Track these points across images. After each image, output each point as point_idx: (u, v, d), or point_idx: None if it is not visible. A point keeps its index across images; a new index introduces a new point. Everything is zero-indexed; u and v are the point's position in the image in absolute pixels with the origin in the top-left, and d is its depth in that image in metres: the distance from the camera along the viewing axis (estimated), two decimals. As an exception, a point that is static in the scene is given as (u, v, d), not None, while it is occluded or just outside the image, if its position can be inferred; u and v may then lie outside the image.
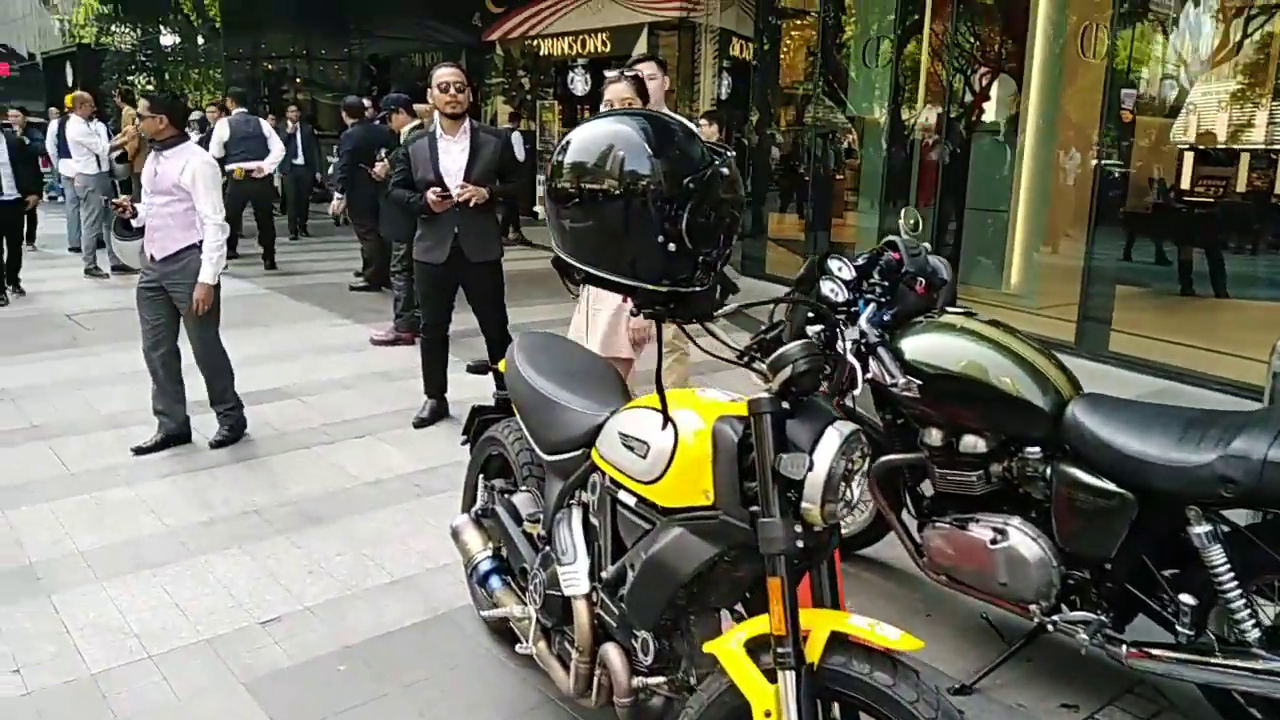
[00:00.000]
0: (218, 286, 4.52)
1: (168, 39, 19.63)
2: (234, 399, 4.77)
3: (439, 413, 5.11)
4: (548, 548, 2.34)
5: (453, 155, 4.73)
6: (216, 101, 12.46)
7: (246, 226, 10.48)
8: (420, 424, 5.02)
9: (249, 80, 18.94)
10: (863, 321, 2.67)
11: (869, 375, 2.65)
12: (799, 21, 12.10)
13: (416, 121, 7.41)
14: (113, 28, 19.96)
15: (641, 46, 13.09)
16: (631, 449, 1.95)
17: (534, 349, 2.70)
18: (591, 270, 1.69)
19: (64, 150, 9.73)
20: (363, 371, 6.10)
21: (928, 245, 3.01)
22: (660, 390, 1.80)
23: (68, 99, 10.39)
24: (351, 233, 9.21)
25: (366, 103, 9.28)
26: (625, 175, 1.61)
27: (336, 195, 8.62)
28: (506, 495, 2.68)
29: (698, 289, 1.65)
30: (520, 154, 11.13)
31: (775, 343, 1.74)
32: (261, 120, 10.29)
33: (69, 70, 20.27)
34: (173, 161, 4.40)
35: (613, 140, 1.65)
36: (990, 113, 9.28)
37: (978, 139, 8.89)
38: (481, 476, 3.02)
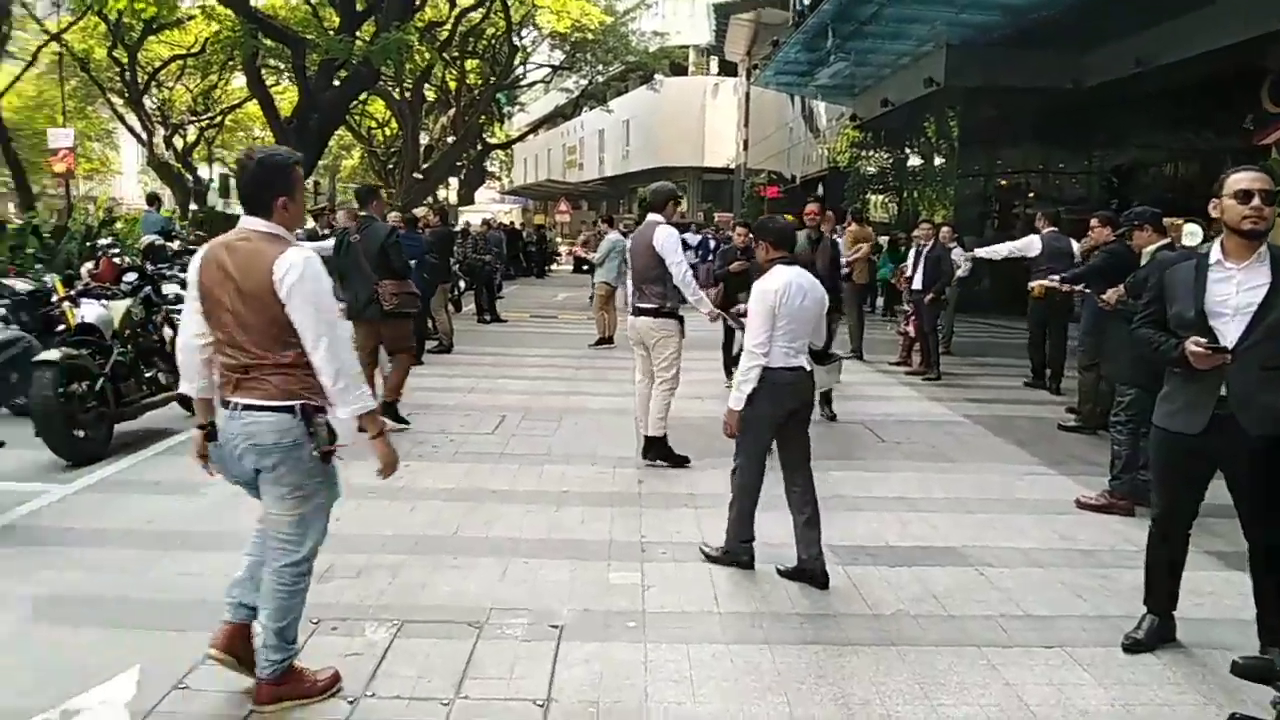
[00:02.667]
0: (755, 415, 4.22)
1: (913, 160, 20.66)
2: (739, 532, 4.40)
3: (1161, 635, 3.70)
4: None
5: (1231, 288, 3.36)
6: (935, 222, 12.13)
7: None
8: (1133, 646, 3.67)
9: (979, 196, 18.85)
10: None
11: None
12: None
13: (1165, 240, 6.05)
14: (864, 153, 21.74)
15: None
16: None
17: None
18: None
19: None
20: (1061, 544, 4.90)
21: None
22: None
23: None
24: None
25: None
26: None
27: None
28: None
29: None
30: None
31: None
32: (1072, 240, 9.46)
33: (820, 190, 22.62)
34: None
35: None
36: None
37: None
38: None
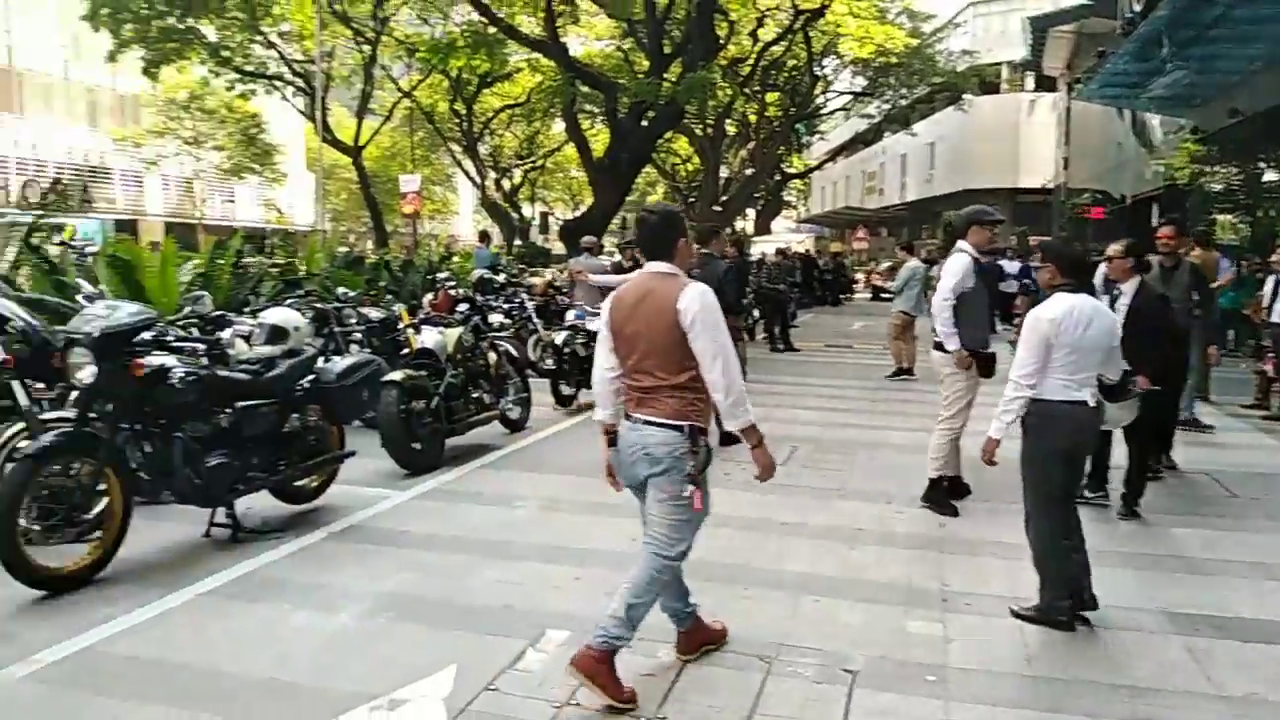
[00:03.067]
0: (1034, 451, 4.07)
1: (1269, 175, 18.10)
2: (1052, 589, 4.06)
3: None
4: None
5: None
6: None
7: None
8: None
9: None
10: None
11: None
12: None
13: None
14: (1208, 169, 19.35)
15: None
16: None
17: None
18: None
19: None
20: None
21: None
22: None
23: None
24: None
25: None
26: None
27: None
28: None
29: None
30: None
31: None
32: None
33: (1153, 211, 20.40)
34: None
35: None
36: None
37: None
38: None
